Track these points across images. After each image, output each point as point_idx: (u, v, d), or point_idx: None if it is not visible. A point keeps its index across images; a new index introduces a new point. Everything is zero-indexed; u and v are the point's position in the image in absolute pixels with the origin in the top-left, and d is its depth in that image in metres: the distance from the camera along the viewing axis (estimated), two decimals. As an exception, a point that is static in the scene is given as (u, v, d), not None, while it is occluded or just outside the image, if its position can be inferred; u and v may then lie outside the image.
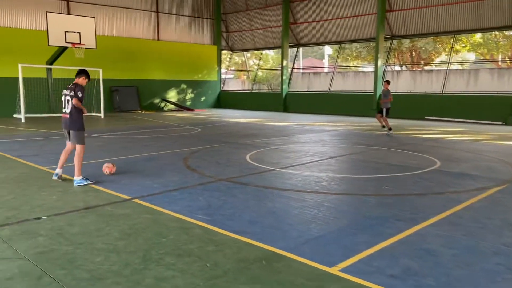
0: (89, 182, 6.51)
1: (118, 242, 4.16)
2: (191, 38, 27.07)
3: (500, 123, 16.96)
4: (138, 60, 24.11)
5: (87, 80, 6.82)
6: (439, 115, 18.88)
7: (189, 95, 27.28)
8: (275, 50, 36.39)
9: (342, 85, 24.17)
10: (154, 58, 24.92)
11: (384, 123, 13.44)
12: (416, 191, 6.20)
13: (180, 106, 25.47)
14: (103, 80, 19.82)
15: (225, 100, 28.61)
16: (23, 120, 17.03)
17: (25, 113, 17.40)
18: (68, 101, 6.61)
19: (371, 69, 29.83)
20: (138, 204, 5.47)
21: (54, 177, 6.78)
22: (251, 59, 39.86)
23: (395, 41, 23.02)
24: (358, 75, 25.01)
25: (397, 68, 28.92)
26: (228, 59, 33.16)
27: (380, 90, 20.98)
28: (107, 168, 7.22)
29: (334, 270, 3.55)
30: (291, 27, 25.05)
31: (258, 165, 8.11)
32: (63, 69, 19.34)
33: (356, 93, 22.66)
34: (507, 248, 4.05)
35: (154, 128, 15.10)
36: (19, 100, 17.24)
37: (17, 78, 17.21)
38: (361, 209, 5.29)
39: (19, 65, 16.88)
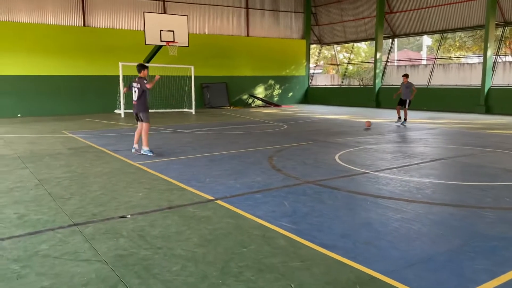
0: (152, 154, 8.47)
1: (197, 249, 3.86)
2: (280, 33, 26.77)
3: None
4: (228, 56, 24.44)
5: (146, 70, 8.64)
6: None
7: (277, 91, 27.06)
8: (367, 43, 34.64)
9: (444, 78, 22.04)
10: (243, 54, 25.08)
11: (404, 115, 13.87)
12: (547, 206, 5.08)
13: (267, 102, 25.35)
14: (195, 77, 20.37)
15: (313, 96, 27.88)
16: (122, 116, 18.13)
17: (125, 109, 18.51)
18: (135, 91, 8.52)
19: (477, 60, 26.90)
20: (221, 206, 5.18)
21: (132, 151, 8.72)
22: (341, 53, 38.45)
23: (507, 29, 20.34)
24: (463, 67, 22.60)
25: (510, 58, 25.64)
26: (317, 53, 32.30)
27: (489, 83, 18.73)
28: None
29: (449, 307, 2.85)
30: (386, 16, 23.48)
31: (349, 166, 7.43)
32: (158, 67, 20.24)
33: (460, 87, 20.48)
34: None
35: (241, 124, 15.04)
36: (119, 96, 18.38)
37: (118, 76, 18.36)
38: (477, 225, 4.41)
39: (120, 64, 17.96)
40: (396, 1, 23.10)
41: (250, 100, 25.68)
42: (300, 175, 6.78)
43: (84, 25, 20.23)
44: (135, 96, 8.56)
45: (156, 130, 13.34)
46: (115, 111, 19.32)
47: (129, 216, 4.85)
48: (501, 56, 20.45)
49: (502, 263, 3.53)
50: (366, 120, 13.62)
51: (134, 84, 8.55)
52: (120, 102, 18.42)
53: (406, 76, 14.15)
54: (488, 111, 18.58)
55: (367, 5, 24.58)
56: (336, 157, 8.29)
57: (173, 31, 18.40)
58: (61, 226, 4.49)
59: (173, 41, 18.45)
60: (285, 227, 4.43)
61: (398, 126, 13.62)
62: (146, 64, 9.02)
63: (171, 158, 8.35)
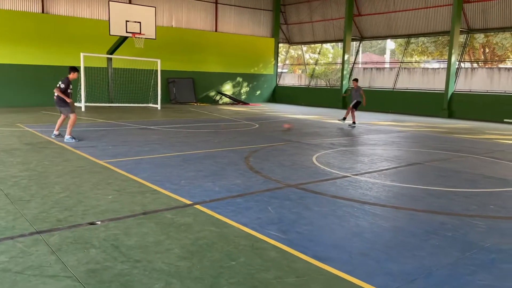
0: (75, 140, 9.25)
1: (181, 263, 3.47)
2: (248, 30, 26.44)
3: None
4: (195, 51, 23.83)
5: (74, 73, 9.64)
6: (521, 118, 16.93)
7: (244, 89, 26.72)
8: (333, 44, 34.96)
9: (408, 82, 22.52)
10: (211, 50, 24.55)
11: (353, 118, 14.50)
12: (531, 214, 5.06)
13: (235, 100, 24.97)
14: (161, 71, 19.67)
15: (281, 95, 27.77)
16: (83, 109, 17.18)
17: (85, 102, 17.56)
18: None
19: (437, 65, 27.72)
20: (201, 212, 4.79)
21: (52, 137, 9.68)
22: (307, 53, 38.62)
23: (470, 36, 21.02)
24: (426, 71, 23.18)
25: (468, 65, 26.63)
26: (284, 52, 32.24)
27: (453, 88, 19.27)
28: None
29: (464, 330, 2.64)
30: (355, 19, 23.70)
31: (328, 169, 7.23)
32: (122, 59, 19.38)
33: (425, 91, 20.98)
34: None
35: (210, 122, 14.59)
36: (80, 89, 17.40)
37: (79, 67, 17.36)
38: (470, 235, 4.28)
39: (81, 54, 17.00)
40: (364, 4, 23.35)
41: (218, 97, 25.19)
42: (281, 177, 6.49)
43: (42, 11, 19.00)
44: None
45: (121, 125, 12.67)
46: (75, 104, 18.25)
47: (99, 222, 4.37)
48: (463, 62, 21.11)
49: (504, 277, 3.38)
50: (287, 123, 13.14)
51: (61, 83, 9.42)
52: (80, 95, 17.44)
53: (356, 80, 14.81)
54: (451, 115, 19.12)
55: (336, 7, 24.71)
56: (314, 159, 8.07)
57: (139, 22, 17.64)
58: (22, 234, 3.95)
59: (140, 33, 17.69)
60: (274, 236, 4.11)
61: (341, 124, 14.76)
62: (76, 67, 9.78)
63: (140, 157, 7.83)
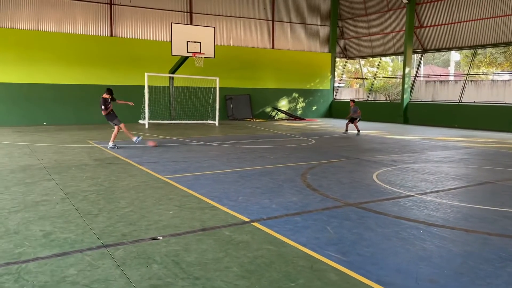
0: (116, 147, 10.99)
1: (239, 282, 3.45)
2: (305, 46, 26.46)
3: None
4: (252, 68, 24.21)
5: (108, 95, 11.29)
6: None
7: (300, 104, 26.65)
8: (392, 57, 34.00)
9: (475, 95, 21.27)
10: (267, 66, 24.83)
11: (357, 129, 16.32)
12: None
13: (291, 115, 24.95)
14: (220, 88, 20.18)
15: (338, 110, 27.33)
16: (146, 126, 17.99)
17: (149, 119, 18.39)
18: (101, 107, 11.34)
19: (508, 77, 25.95)
20: (258, 229, 4.77)
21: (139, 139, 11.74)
22: (365, 67, 37.88)
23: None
24: (496, 83, 21.80)
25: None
26: (340, 66, 31.86)
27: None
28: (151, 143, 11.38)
29: None
30: (416, 31, 22.93)
31: (390, 188, 6.94)
32: (183, 78, 20.15)
33: (494, 104, 19.69)
34: None
35: (267, 138, 14.66)
36: (144, 107, 18.28)
37: (143, 86, 18.29)
38: (554, 265, 3.88)
39: (146, 74, 17.90)
40: (426, 15, 22.56)
41: (274, 113, 25.32)
42: (339, 196, 6.33)
43: (111, 35, 20.32)
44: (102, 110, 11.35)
45: (181, 142, 13.09)
46: (139, 121, 19.21)
47: (161, 237, 4.48)
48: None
49: None
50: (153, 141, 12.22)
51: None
52: (144, 112, 18.31)
53: (353, 101, 17.00)
54: (525, 130, 17.75)
55: (396, 19, 24.09)
56: (374, 177, 7.80)
57: (199, 42, 18.29)
58: (89, 248, 4.15)
59: (200, 52, 18.31)
60: (333, 257, 3.98)
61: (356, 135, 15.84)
62: (110, 89, 11.44)
63: (200, 173, 8.01)
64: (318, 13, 26.68)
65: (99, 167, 8.47)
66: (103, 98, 11.19)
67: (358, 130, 16.39)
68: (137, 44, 20.73)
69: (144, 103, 18.25)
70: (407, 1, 22.06)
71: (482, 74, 26.97)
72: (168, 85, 20.51)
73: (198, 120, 20.95)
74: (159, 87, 20.34)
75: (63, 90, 19.22)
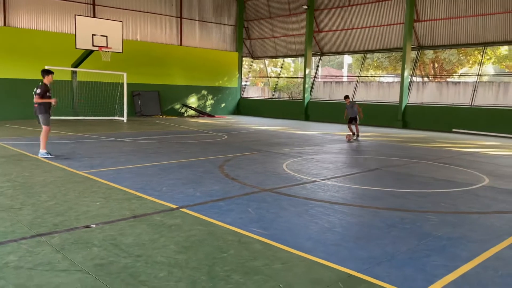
0: (49, 156, 8.85)
1: (178, 256, 3.90)
2: (213, 44, 27.01)
3: (533, 138, 16.43)
4: (161, 65, 24.08)
5: (49, 76, 9.12)
6: (468, 127, 18.41)
7: (210, 101, 27.16)
8: (294, 58, 36.16)
9: (366, 95, 23.81)
10: (176, 63, 24.88)
11: (356, 131, 14.63)
12: (475, 209, 5.85)
13: (201, 112, 25.35)
14: (127, 84, 19.79)
15: (245, 107, 28.42)
16: (48, 122, 16.98)
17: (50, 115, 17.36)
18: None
19: (392, 79, 29.40)
20: (187, 214, 5.22)
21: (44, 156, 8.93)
22: (269, 67, 39.68)
23: (421, 52, 22.63)
24: (382, 85, 24.63)
25: (420, 79, 28.45)
26: (246, 66, 33.05)
27: (406, 101, 20.61)
28: None
29: (421, 297, 3.24)
30: (315, 35, 24.84)
31: (299, 175, 7.83)
32: (88, 72, 19.36)
33: (381, 104, 22.28)
34: None
35: (180, 133, 14.92)
36: (45, 102, 17.21)
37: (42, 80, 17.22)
38: (425, 227, 4.96)
39: (46, 67, 16.86)
40: (323, 21, 24.55)
41: (183, 110, 25.47)
42: (256, 183, 7.01)
43: (4, 24, 18.71)
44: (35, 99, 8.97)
45: (91, 138, 12.78)
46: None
47: (94, 225, 4.70)
48: (415, 77, 22.63)
49: (453, 258, 4.05)
50: None
51: (37, 90, 8.91)
52: (45, 107, 17.24)
53: (347, 97, 14.86)
54: (405, 125, 20.43)
55: (297, 23, 25.79)
56: (284, 166, 8.66)
57: (106, 36, 17.77)
58: (23, 237, 4.23)
59: (106, 47, 17.81)
60: (257, 232, 4.61)
61: (355, 140, 14.25)
62: (49, 69, 9.29)
63: (118, 167, 8.12)
64: (225, 13, 27.40)
65: (7, 164, 8.09)
66: (44, 83, 8.96)
67: (357, 133, 14.60)
68: (35, 35, 19.37)
69: (45, 98, 17.18)
70: (306, 7, 23.81)
71: (371, 76, 30.12)
72: (71, 79, 19.52)
73: (105, 116, 20.29)
74: (61, 81, 19.25)
75: None
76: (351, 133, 14.53)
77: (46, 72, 9.08)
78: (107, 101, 20.72)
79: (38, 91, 8.82)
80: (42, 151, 8.99)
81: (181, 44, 25.32)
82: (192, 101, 26.13)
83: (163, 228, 4.66)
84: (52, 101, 9.01)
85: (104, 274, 3.47)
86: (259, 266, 3.74)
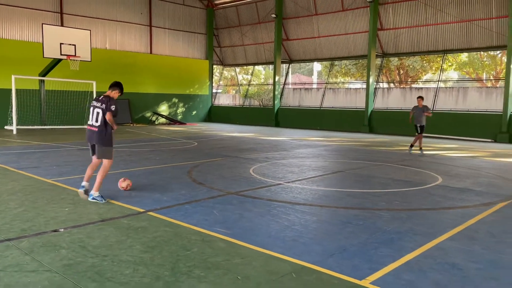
0: (104, 201, 6.11)
1: (144, 255, 4.12)
2: (183, 52, 27.18)
3: (490, 140, 17.38)
4: (131, 73, 24.04)
5: (119, 94, 6.53)
6: (430, 131, 19.24)
7: (180, 109, 27.26)
8: (264, 66, 36.73)
9: (334, 101, 24.49)
10: (146, 71, 24.90)
11: (420, 142, 12.67)
12: (425, 206, 6.31)
13: (172, 120, 25.41)
14: (97, 92, 19.70)
15: (216, 114, 28.67)
16: (15, 132, 16.74)
17: (17, 124, 17.13)
18: (98, 113, 6.20)
19: (360, 85, 30.34)
20: (154, 217, 5.43)
21: (80, 189, 6.27)
22: (240, 74, 40.12)
23: (385, 59, 23.55)
24: (349, 91, 25.41)
25: (385, 85, 29.50)
26: (217, 73, 33.37)
27: (372, 106, 21.37)
28: (123, 184, 6.92)
29: (366, 283, 3.59)
30: (284, 43, 25.40)
31: (264, 179, 8.14)
32: (56, 81, 19.19)
33: (348, 109, 22.98)
34: (527, 261, 4.15)
35: (150, 141, 15.02)
36: (11, 111, 16.98)
37: (10, 90, 16.99)
38: (377, 223, 5.36)
39: (13, 76, 16.67)
40: (292, 30, 25.16)
41: (154, 118, 25.46)
42: (222, 187, 7.28)
43: (-33, 32, 18.37)
44: (95, 119, 6.22)
45: (59, 147, 12.73)
46: (6, 127, 17.73)
47: (62, 229, 4.85)
48: (379, 83, 23.49)
49: (399, 249, 4.43)
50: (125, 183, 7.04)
51: (97, 104, 6.28)
52: (12, 117, 16.99)
53: (421, 98, 12.60)
54: (371, 130, 21.16)
55: (266, 31, 26.31)
56: (251, 171, 8.96)
57: (74, 44, 17.70)
58: (-9, 242, 4.35)
59: (75, 55, 17.73)
60: (220, 232, 4.88)
61: (419, 151, 12.59)
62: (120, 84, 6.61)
63: (87, 175, 8.20)
64: (195, 21, 27.66)
65: (-27, 174, 8.06)
66: (114, 100, 6.33)
67: (420, 145, 12.61)
68: (1, 44, 19.06)
69: (11, 108, 16.95)
70: (275, 16, 24.37)
71: (339, 82, 30.96)
72: (38, 88, 19.28)
73: (74, 125, 20.10)
74: (28, 90, 19.02)
75: None
76: (414, 144, 12.76)
77: (120, 87, 6.54)
78: (76, 110, 20.54)
79: (113, 107, 6.17)
80: (95, 193, 6.20)
81: (151, 52, 25.38)
82: (163, 109, 26.17)
83: (130, 231, 4.86)
84: (114, 126, 6.30)
85: (72, 273, 3.66)
86: (220, 261, 4.01)
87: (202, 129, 21.55)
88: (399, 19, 20.86)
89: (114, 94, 6.43)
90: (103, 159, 6.36)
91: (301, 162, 10.63)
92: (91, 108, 6.35)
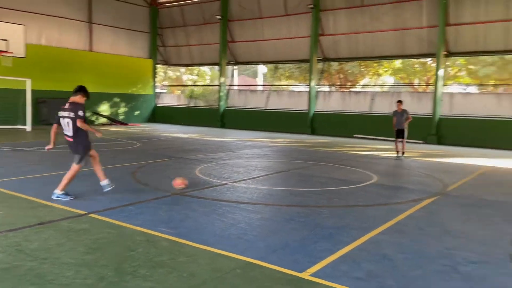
0: (69, 198, 6.19)
1: (86, 257, 4.06)
2: (125, 51, 26.45)
3: (420, 141, 18.63)
4: (69, 70, 22.98)
5: (85, 97, 6.45)
6: (367, 133, 20.28)
7: (123, 109, 26.49)
8: (210, 67, 36.68)
9: (278, 103, 25.00)
10: (86, 69, 23.92)
11: (403, 147, 12.62)
12: (361, 203, 6.72)
13: (113, 120, 24.64)
14: (32, 91, 18.67)
15: (160, 115, 28.18)
16: None
17: None
18: (68, 123, 6.20)
19: (303, 88, 31.22)
20: (96, 219, 5.33)
21: (106, 189, 6.61)
22: (185, 74, 39.72)
23: (326, 64, 24.44)
24: (293, 94, 26.05)
25: (327, 88, 30.61)
26: (162, 73, 32.82)
27: (314, 109, 22.10)
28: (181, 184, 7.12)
29: (306, 275, 3.80)
30: (229, 45, 25.54)
31: (210, 179, 8.22)
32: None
33: (291, 111, 23.58)
34: (449, 251, 4.59)
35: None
36: None
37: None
38: (317, 220, 5.64)
39: None
40: (237, 32, 25.35)
41: (94, 118, 24.54)
42: (168, 188, 7.25)
43: None
44: (68, 130, 6.28)
45: (-10, 148, 11.96)
46: None
47: (-4, 234, 4.64)
48: (321, 86, 24.35)
49: (337, 243, 4.72)
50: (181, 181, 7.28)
51: (64, 113, 6.21)
52: None
53: (400, 102, 12.68)
54: (313, 132, 21.88)
55: (211, 33, 26.28)
56: (197, 172, 8.99)
57: (7, 40, 16.66)
58: None
59: (7, 51, 16.69)
60: (166, 232, 4.90)
61: (398, 158, 12.57)
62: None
63: (23, 177, 7.85)
64: (138, 19, 27.01)
65: None
66: (80, 104, 6.30)
67: (403, 150, 12.60)
68: None
69: None
70: (220, 17, 24.45)
71: (283, 85, 31.65)
72: (-35, 85, 17.92)
73: (7, 125, 18.89)
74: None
75: None
76: (398, 149, 12.65)
77: (85, 91, 6.51)
78: (9, 109, 19.33)
79: (81, 113, 6.17)
80: (59, 192, 6.24)
81: (91, 50, 24.45)
82: (104, 108, 25.29)
83: (71, 233, 4.75)
84: (99, 134, 6.98)
85: (10, 277, 3.54)
86: (165, 260, 4.05)
87: (145, 130, 21.11)
88: (339, 26, 21.74)
89: (80, 99, 6.39)
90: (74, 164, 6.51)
91: (247, 162, 10.81)
92: (61, 119, 6.30)
